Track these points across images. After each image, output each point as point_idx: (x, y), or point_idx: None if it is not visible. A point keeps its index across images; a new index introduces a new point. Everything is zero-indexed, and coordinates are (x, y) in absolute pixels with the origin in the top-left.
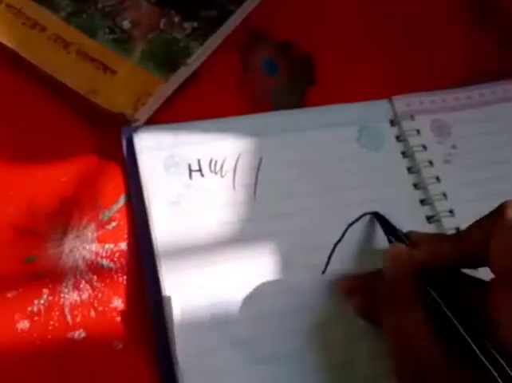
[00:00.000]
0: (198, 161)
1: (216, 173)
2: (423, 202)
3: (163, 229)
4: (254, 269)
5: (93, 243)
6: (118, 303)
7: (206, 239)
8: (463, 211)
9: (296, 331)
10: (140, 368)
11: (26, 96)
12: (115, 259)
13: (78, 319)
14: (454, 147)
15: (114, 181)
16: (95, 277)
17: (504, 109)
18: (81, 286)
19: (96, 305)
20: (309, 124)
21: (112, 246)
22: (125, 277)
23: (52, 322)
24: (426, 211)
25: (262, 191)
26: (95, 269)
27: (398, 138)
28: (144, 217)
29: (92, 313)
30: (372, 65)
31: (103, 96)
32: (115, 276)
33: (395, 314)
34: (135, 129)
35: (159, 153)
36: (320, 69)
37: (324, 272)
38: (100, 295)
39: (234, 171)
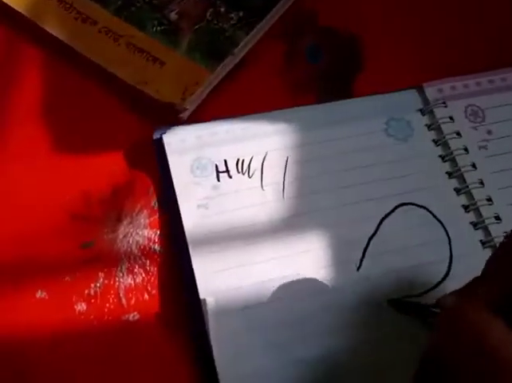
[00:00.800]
0: (225, 162)
1: (243, 173)
2: (458, 191)
3: (194, 231)
4: (287, 268)
5: (146, 229)
6: (169, 287)
7: (236, 240)
8: (502, 198)
9: (332, 331)
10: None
11: (79, 88)
12: (167, 245)
13: (132, 302)
14: (489, 132)
15: None
16: (148, 261)
17: None
18: (135, 270)
19: (149, 288)
20: (335, 119)
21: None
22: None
23: (108, 305)
24: (462, 200)
25: (291, 189)
26: (148, 254)
27: (429, 127)
28: (177, 219)
29: (146, 297)
30: (413, 51)
31: (152, 87)
32: (167, 261)
33: None
34: (165, 131)
35: (186, 156)
36: (367, 55)
37: (359, 268)
38: (152, 279)
39: (262, 170)
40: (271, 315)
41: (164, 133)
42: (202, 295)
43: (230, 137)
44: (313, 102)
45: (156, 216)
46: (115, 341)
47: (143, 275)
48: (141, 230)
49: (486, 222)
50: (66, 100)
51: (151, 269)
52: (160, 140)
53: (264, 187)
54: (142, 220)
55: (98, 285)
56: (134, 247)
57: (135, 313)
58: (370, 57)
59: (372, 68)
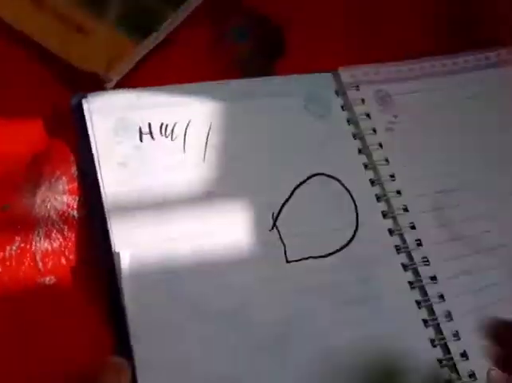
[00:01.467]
0: (149, 125)
1: (167, 137)
2: (366, 167)
3: (112, 189)
4: (201, 229)
5: (64, 195)
6: (86, 252)
7: (155, 199)
8: (403, 175)
9: (238, 287)
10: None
11: (1, 54)
12: (84, 211)
13: (49, 266)
14: (395, 116)
15: None
16: (66, 227)
17: (443, 82)
18: (53, 235)
19: (66, 253)
20: (257, 93)
21: (82, 198)
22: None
23: (23, 268)
24: (369, 175)
25: (212, 154)
26: (66, 219)
27: (343, 107)
28: (94, 177)
29: (63, 261)
30: (336, 40)
31: (76, 56)
32: (85, 226)
33: None
34: (85, 95)
35: (109, 117)
36: (290, 42)
37: (271, 230)
38: (70, 244)
39: (185, 135)
40: (183, 271)
41: (84, 97)
42: (116, 249)
43: (154, 103)
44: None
45: (76, 183)
46: (30, 304)
47: (61, 240)
48: (60, 196)
49: (389, 195)
50: None
51: (69, 234)
52: (79, 104)
53: (186, 150)
54: (61, 186)
55: (14, 248)
56: (52, 213)
57: (52, 277)
58: (292, 42)
59: (293, 53)
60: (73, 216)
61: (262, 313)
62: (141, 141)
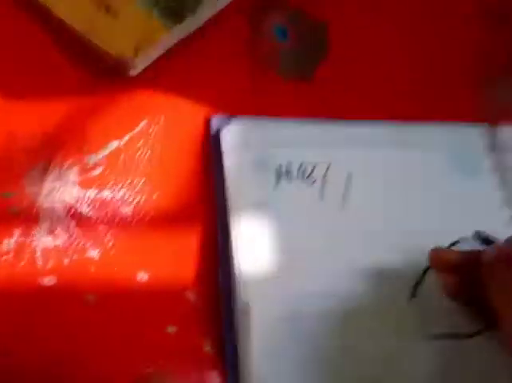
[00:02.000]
0: (288, 164)
1: (304, 180)
2: None
3: (245, 231)
4: (337, 282)
5: (74, 188)
6: (94, 254)
7: (289, 248)
8: None
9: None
10: (112, 327)
11: (23, 31)
12: (96, 208)
13: (50, 265)
14: None
15: (105, 126)
16: (72, 223)
17: None
18: (57, 231)
19: (70, 253)
20: (399, 141)
21: (94, 193)
22: (105, 227)
23: (22, 264)
24: None
25: (351, 203)
26: (73, 215)
27: (495, 166)
28: (225, 216)
29: (66, 261)
30: (386, 45)
31: (102, 37)
32: (94, 225)
33: None
34: (226, 122)
35: (248, 152)
36: (334, 43)
37: (411, 297)
38: (75, 243)
39: (324, 179)
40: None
41: (224, 123)
42: (245, 299)
43: (296, 140)
44: (272, 79)
45: (88, 175)
46: (26, 305)
47: (65, 238)
48: (69, 188)
49: None
50: (7, 41)
51: (75, 232)
52: (218, 133)
53: (324, 198)
54: (71, 177)
55: (12, 241)
56: (58, 206)
57: (52, 277)
58: (336, 44)
59: (336, 56)
60: (82, 212)
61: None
62: (278, 183)
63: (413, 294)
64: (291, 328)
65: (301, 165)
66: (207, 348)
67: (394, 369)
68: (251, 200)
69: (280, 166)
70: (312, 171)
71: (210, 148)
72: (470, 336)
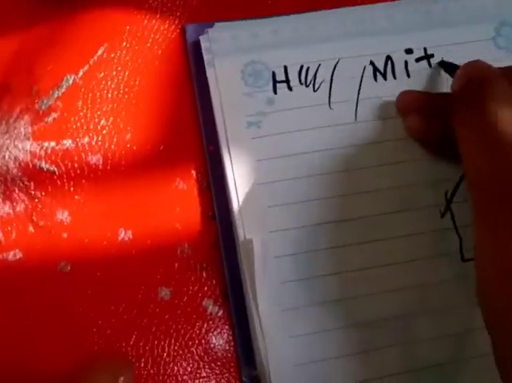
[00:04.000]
0: (285, 69)
1: (307, 85)
2: None
3: (240, 157)
4: (348, 213)
5: (28, 141)
6: (64, 216)
7: (293, 171)
8: None
9: (397, 289)
10: (94, 296)
11: None
12: (58, 161)
13: (13, 236)
14: None
15: (55, 59)
16: (32, 184)
17: None
18: (14, 195)
19: (35, 219)
20: (429, 21)
21: (53, 144)
22: (72, 183)
23: None
24: None
25: (367, 110)
26: (31, 174)
27: None
28: (215, 145)
29: (31, 229)
30: None
31: None
32: (59, 182)
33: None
34: (205, 27)
35: (235, 60)
36: None
37: (443, 216)
38: (40, 207)
39: (331, 82)
40: (326, 263)
41: (201, 32)
42: (245, 234)
43: (292, 38)
44: None
45: (43, 123)
46: None
47: (27, 202)
48: (21, 143)
49: None
50: None
51: (37, 194)
52: (196, 44)
53: (332, 105)
54: (22, 129)
55: None
56: (12, 165)
57: (17, 250)
58: None
59: None
60: (41, 169)
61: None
62: (275, 93)
63: (446, 210)
64: (298, 260)
65: (301, 67)
66: (209, 308)
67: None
68: (244, 119)
69: (275, 73)
70: (315, 73)
71: (188, 65)
72: None
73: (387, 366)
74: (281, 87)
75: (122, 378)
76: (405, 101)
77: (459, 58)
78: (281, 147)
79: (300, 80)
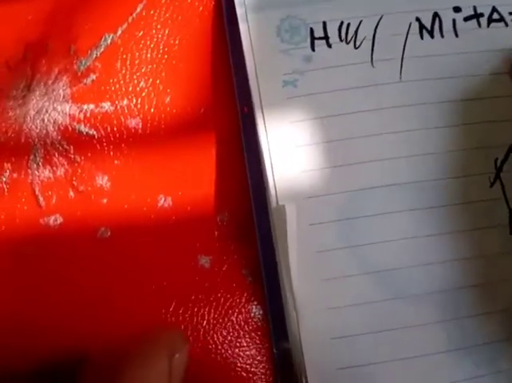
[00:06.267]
0: (324, 25)
1: (348, 42)
2: None
3: (275, 118)
4: (388, 174)
5: (67, 103)
6: (103, 182)
7: (332, 134)
8: None
9: (442, 268)
10: (132, 258)
11: None
12: (97, 125)
13: (53, 201)
14: None
15: (93, 17)
16: (71, 147)
17: None
18: (54, 159)
19: (75, 183)
20: None
21: (92, 106)
22: (111, 147)
23: (19, 205)
24: None
25: (412, 69)
26: (71, 137)
27: None
28: (247, 99)
29: (71, 194)
30: None
31: None
32: (98, 146)
33: None
34: None
35: (271, 13)
36: None
37: (492, 185)
38: (79, 171)
39: (373, 39)
40: (368, 231)
41: None
42: (278, 201)
43: None
44: None
45: (81, 84)
46: (31, 252)
47: (67, 166)
48: (60, 105)
49: None
50: None
51: (77, 158)
52: None
53: (374, 64)
54: (61, 91)
55: (4, 180)
56: (51, 128)
57: (58, 215)
58: None
59: None
60: (81, 132)
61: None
62: (313, 50)
63: (496, 179)
64: (337, 228)
65: (341, 23)
66: (248, 277)
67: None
68: (279, 78)
69: (313, 29)
70: (357, 29)
71: (225, 20)
72: None
73: (431, 344)
74: (320, 44)
75: (177, 355)
76: None
77: (508, 17)
78: (319, 107)
79: (340, 37)
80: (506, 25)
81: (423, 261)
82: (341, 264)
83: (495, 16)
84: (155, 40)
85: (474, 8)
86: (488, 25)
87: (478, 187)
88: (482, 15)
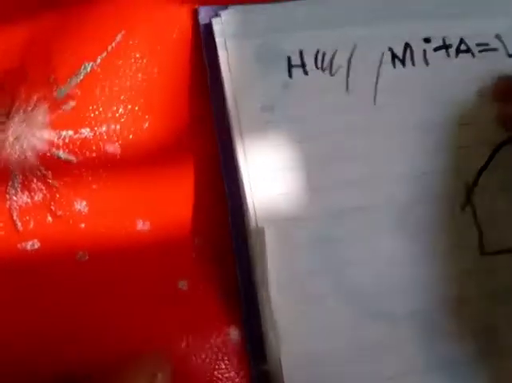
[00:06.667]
0: (301, 53)
1: (324, 70)
2: None
3: (253, 142)
4: (371, 199)
5: (46, 129)
6: (82, 206)
7: (309, 158)
8: None
9: (416, 282)
10: (110, 282)
11: None
12: (76, 150)
13: (31, 226)
14: None
15: (73, 46)
16: (50, 173)
17: None
18: (33, 185)
19: (53, 208)
20: (447, 11)
21: (70, 133)
22: (90, 172)
23: None
24: None
25: (385, 95)
26: (49, 163)
27: None
28: (225, 124)
29: (49, 219)
30: None
31: None
32: (76, 171)
33: None
34: (217, 10)
35: (249, 41)
36: None
37: (464, 209)
38: (58, 196)
39: (348, 67)
40: (346, 253)
41: (215, 14)
42: (257, 223)
43: (308, 22)
44: None
45: (60, 111)
46: (8, 276)
47: (45, 191)
48: (39, 131)
49: None
50: None
51: (55, 183)
52: (209, 25)
53: (350, 90)
54: (40, 117)
55: None
56: (30, 154)
57: (36, 240)
58: None
59: None
60: (59, 158)
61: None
62: (290, 77)
63: (467, 202)
64: (317, 252)
65: (317, 52)
66: (226, 300)
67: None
68: (257, 105)
69: (290, 57)
70: (332, 57)
71: (203, 48)
72: None
73: (408, 364)
74: (297, 71)
75: (160, 375)
76: (504, 87)
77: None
78: (296, 132)
79: (316, 65)
80: (473, 55)
81: (399, 282)
82: (319, 286)
83: (463, 47)
84: (134, 68)
85: (444, 39)
86: (456, 56)
87: (450, 209)
88: (450, 46)
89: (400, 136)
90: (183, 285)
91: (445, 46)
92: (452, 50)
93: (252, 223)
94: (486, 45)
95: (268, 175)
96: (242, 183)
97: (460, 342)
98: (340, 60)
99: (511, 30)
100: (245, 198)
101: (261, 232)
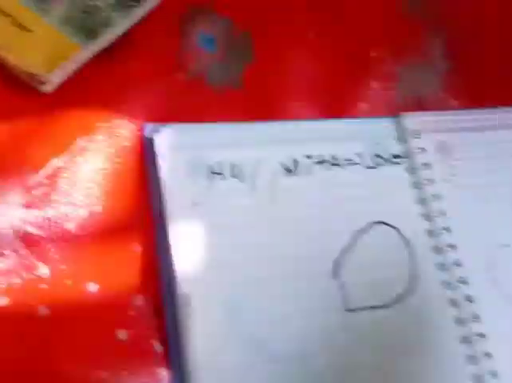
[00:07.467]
0: (220, 164)
1: (237, 177)
2: (425, 217)
3: (182, 230)
4: (265, 274)
5: (20, 209)
6: (45, 271)
7: (225, 242)
8: (460, 228)
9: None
10: (66, 336)
11: None
12: (44, 226)
13: (2, 287)
14: (454, 167)
15: (42, 145)
16: (21, 244)
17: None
18: (6, 254)
19: (21, 273)
20: (325, 136)
21: (39, 212)
22: (53, 244)
23: None
24: (427, 225)
25: (282, 198)
26: (22, 237)
27: (402, 155)
28: (163, 219)
29: (17, 281)
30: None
31: (15, 53)
32: (42, 243)
33: None
34: (159, 127)
35: (181, 152)
36: (258, 48)
37: (334, 277)
38: (26, 263)
39: (254, 176)
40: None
41: (156, 130)
42: (184, 290)
43: (227, 141)
44: (203, 87)
45: (32, 195)
46: None
47: (16, 260)
48: (14, 211)
49: (444, 248)
50: None
51: (25, 253)
52: (151, 140)
53: (257, 192)
54: (16, 199)
55: None
56: (6, 230)
57: (5, 297)
58: (260, 52)
59: (261, 59)
60: (29, 233)
61: (320, 361)
62: (211, 181)
63: (335, 273)
64: (230, 317)
65: (231, 164)
66: (158, 348)
67: (321, 343)
68: (187, 201)
69: (212, 166)
70: (242, 169)
71: (146, 156)
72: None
73: None
74: (216, 177)
75: None
76: None
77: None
78: (215, 222)
79: (231, 173)
80: (342, 167)
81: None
82: (234, 353)
83: (334, 161)
84: (89, 166)
85: (321, 156)
86: (330, 168)
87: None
88: (325, 161)
89: (294, 226)
90: (123, 336)
91: (322, 161)
92: (328, 164)
93: (178, 288)
94: (350, 160)
95: (193, 251)
96: (172, 257)
97: None
98: (249, 170)
99: (366, 150)
100: (173, 268)
101: (185, 296)
